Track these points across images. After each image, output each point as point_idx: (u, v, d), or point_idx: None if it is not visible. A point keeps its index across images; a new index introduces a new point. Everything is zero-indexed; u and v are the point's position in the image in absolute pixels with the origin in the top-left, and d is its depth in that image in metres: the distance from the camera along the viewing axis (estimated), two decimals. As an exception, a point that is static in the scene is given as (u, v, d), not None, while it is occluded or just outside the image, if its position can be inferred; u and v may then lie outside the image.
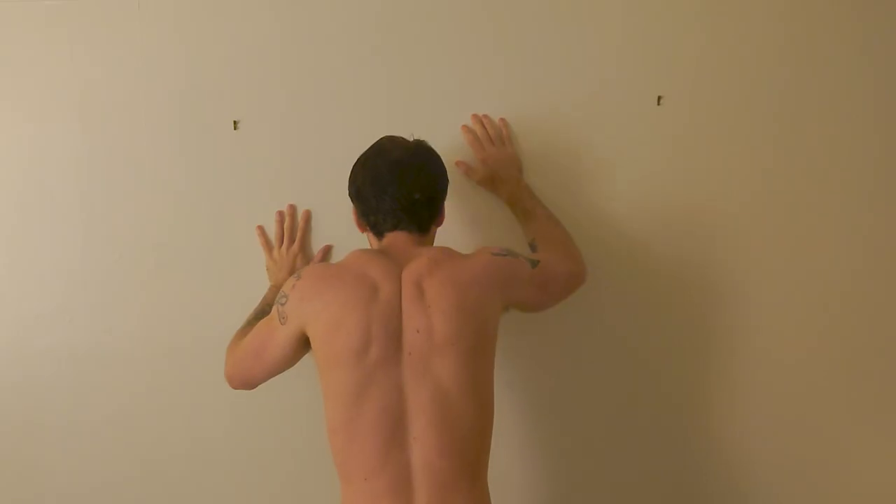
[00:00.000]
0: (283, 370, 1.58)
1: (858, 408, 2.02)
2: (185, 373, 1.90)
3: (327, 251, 1.86)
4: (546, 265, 1.65)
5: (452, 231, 1.76)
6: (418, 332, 1.45)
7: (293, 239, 1.85)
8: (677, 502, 2.02)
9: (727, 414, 1.99)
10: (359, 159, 1.60)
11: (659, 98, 1.87)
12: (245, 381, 1.62)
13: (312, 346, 1.51)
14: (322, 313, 1.48)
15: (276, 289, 1.77)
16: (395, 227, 1.56)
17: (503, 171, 1.81)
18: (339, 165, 1.80)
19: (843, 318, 1.98)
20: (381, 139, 1.61)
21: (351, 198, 1.61)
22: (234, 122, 1.83)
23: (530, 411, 1.94)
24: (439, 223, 1.64)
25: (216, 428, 1.94)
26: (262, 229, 1.85)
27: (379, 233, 1.59)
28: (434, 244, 1.63)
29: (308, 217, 1.86)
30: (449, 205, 1.66)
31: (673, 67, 1.87)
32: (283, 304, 1.52)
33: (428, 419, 1.44)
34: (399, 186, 1.53)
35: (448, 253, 1.56)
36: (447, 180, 1.62)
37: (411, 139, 1.61)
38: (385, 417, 1.44)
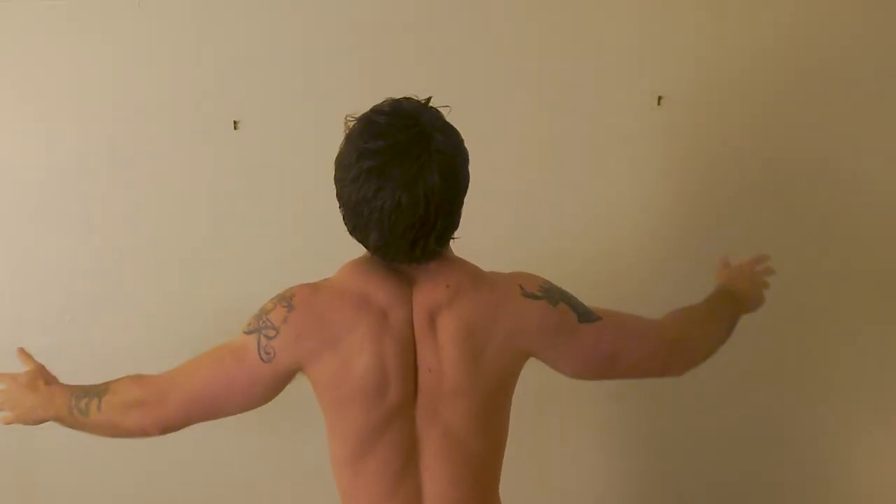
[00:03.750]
0: (235, 414, 1.34)
1: (863, 408, 2.03)
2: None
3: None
4: (612, 327, 1.33)
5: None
6: (430, 371, 1.27)
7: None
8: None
9: (726, 413, 2.00)
10: (342, 161, 1.22)
11: (659, 98, 1.87)
12: (169, 428, 1.34)
13: (314, 387, 1.31)
14: (324, 354, 1.25)
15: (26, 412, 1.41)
16: (392, 259, 1.26)
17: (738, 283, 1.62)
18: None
19: (844, 316, 1.99)
20: (377, 138, 1.17)
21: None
22: (234, 122, 1.84)
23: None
24: None
25: (218, 426, 1.93)
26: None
27: None
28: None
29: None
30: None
31: (673, 67, 1.87)
32: (270, 338, 1.26)
33: (438, 452, 1.30)
34: (399, 248, 1.21)
35: (471, 278, 1.28)
36: (468, 182, 1.25)
37: (415, 121, 1.18)
38: (398, 453, 1.29)
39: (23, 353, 1.47)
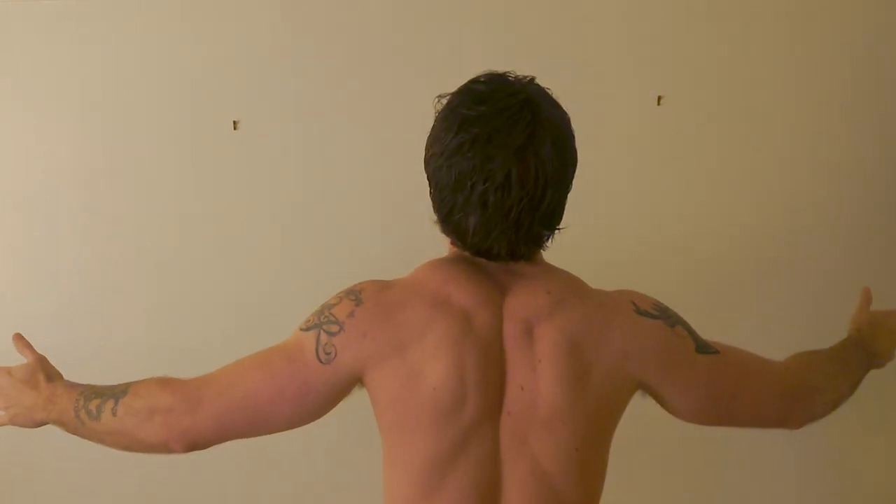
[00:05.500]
0: (279, 431, 1.15)
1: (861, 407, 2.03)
2: (186, 374, 1.90)
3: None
4: (731, 363, 1.17)
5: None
6: (522, 389, 1.07)
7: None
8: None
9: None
10: (437, 136, 1.09)
11: (659, 98, 1.87)
12: (196, 444, 1.13)
13: (374, 403, 1.11)
14: (390, 359, 1.07)
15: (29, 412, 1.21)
16: (489, 250, 1.10)
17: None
18: (339, 165, 1.80)
19: (840, 316, 1.99)
20: (480, 104, 1.06)
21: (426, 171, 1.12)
22: (234, 122, 1.83)
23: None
24: None
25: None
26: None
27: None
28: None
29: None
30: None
31: (673, 67, 1.87)
32: (332, 335, 1.08)
33: (525, 496, 1.08)
34: (502, 231, 1.05)
35: (575, 289, 1.13)
36: (576, 162, 1.11)
37: (521, 88, 1.09)
38: (473, 495, 1.07)
39: (21, 340, 1.24)
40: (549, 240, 1.12)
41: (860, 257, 1.96)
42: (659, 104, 1.87)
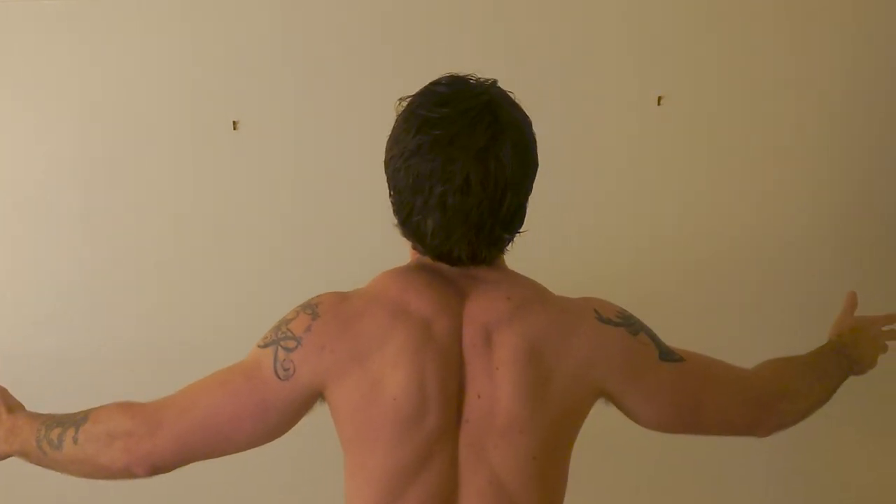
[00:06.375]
0: (241, 450, 1.13)
1: (858, 408, 2.02)
2: (184, 376, 1.89)
3: None
4: (695, 370, 1.15)
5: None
6: (480, 397, 1.06)
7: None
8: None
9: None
10: (397, 137, 1.08)
11: (659, 98, 1.87)
12: (159, 467, 1.13)
13: (335, 416, 1.10)
14: (351, 371, 1.05)
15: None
16: (449, 252, 1.08)
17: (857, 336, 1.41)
18: (339, 165, 1.80)
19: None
20: (442, 105, 1.05)
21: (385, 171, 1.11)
22: (234, 123, 1.83)
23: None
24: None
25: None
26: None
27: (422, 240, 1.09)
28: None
29: None
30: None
31: (673, 67, 1.87)
32: (290, 350, 1.07)
33: None
34: (462, 234, 1.04)
35: (537, 296, 1.11)
36: (537, 165, 1.09)
37: (483, 90, 1.08)
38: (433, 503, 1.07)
39: None
40: (510, 243, 1.11)
41: (859, 258, 1.96)
42: (659, 104, 1.87)
